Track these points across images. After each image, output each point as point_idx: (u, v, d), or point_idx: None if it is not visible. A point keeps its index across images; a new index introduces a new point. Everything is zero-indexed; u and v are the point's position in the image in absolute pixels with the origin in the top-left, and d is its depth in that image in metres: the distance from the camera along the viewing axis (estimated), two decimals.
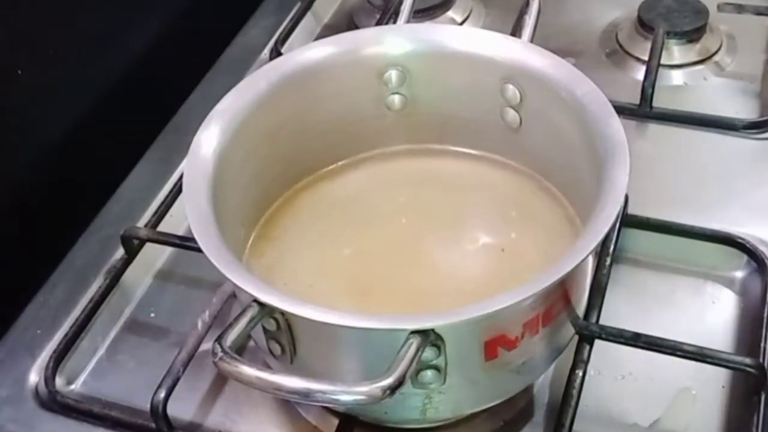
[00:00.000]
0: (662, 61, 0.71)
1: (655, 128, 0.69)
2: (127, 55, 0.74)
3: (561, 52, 0.54)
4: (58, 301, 0.61)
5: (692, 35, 0.75)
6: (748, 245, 0.59)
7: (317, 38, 0.82)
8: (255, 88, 0.55)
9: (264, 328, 0.46)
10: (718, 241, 0.59)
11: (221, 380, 0.57)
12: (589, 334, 0.53)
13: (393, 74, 0.57)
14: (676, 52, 0.75)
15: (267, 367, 0.48)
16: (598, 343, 0.53)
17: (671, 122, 0.69)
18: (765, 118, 0.69)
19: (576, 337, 0.53)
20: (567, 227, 0.55)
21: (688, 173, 0.66)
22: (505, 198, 0.58)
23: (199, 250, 0.46)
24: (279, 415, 0.55)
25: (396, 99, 0.58)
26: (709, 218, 0.60)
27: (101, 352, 0.60)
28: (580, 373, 0.52)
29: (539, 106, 0.55)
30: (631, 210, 0.60)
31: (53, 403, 0.56)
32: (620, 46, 0.77)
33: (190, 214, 0.48)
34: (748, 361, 0.52)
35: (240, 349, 0.53)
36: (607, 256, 0.57)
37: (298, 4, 0.82)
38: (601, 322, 0.55)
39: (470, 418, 0.53)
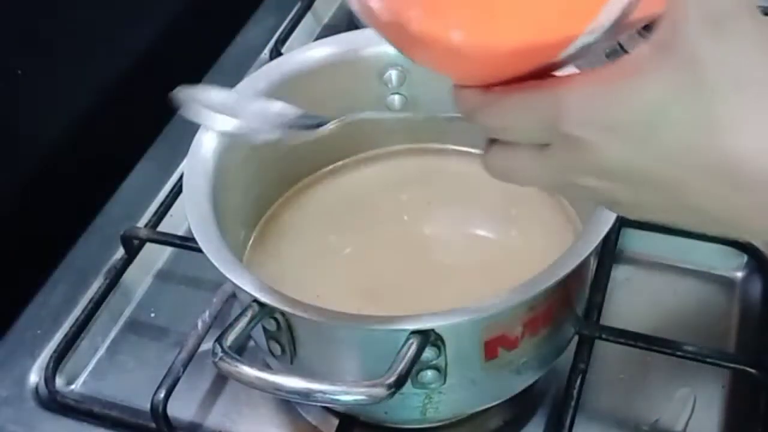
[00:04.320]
0: None
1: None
2: (127, 55, 0.74)
3: None
4: (58, 301, 0.61)
5: None
6: (748, 245, 0.59)
7: (317, 38, 0.82)
8: (255, 88, 0.55)
9: (264, 328, 0.46)
10: (718, 241, 0.59)
11: (221, 380, 0.57)
12: (589, 334, 0.53)
13: (393, 74, 0.57)
14: None
15: (267, 367, 0.48)
16: (598, 343, 0.53)
17: None
18: None
19: (576, 337, 0.53)
20: (567, 227, 0.55)
21: None
22: (506, 197, 0.58)
23: (199, 250, 0.46)
24: (279, 415, 0.55)
25: (396, 99, 0.58)
26: None
27: (101, 352, 0.60)
28: (580, 373, 0.52)
29: None
30: None
31: (53, 403, 0.56)
32: (620, 46, 0.77)
33: (190, 214, 0.48)
34: (748, 361, 0.52)
35: (240, 349, 0.53)
36: (607, 256, 0.57)
37: (298, 4, 0.82)
38: (601, 322, 0.55)
39: (470, 418, 0.53)
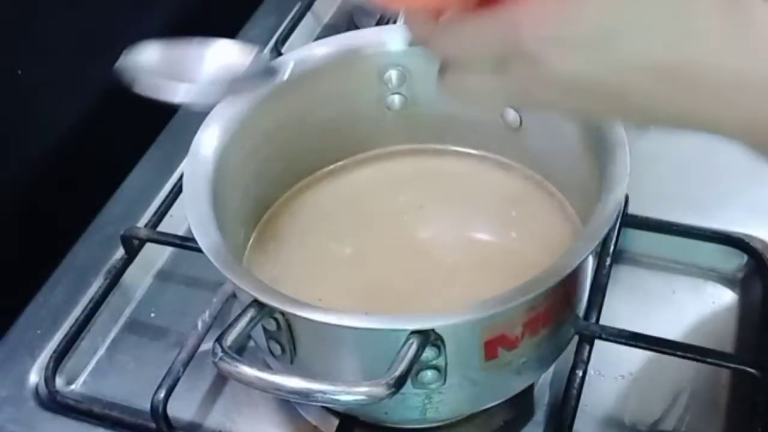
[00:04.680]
0: None
1: (655, 128, 0.69)
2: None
3: None
4: (58, 301, 0.61)
5: None
6: (748, 245, 0.59)
7: (317, 38, 0.82)
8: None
9: (264, 328, 0.46)
10: (718, 241, 0.59)
11: (221, 380, 0.57)
12: (589, 334, 0.53)
13: (393, 74, 0.57)
14: None
15: (267, 367, 0.48)
16: (598, 343, 0.53)
17: None
18: None
19: (576, 337, 0.53)
20: (567, 227, 0.55)
21: (688, 173, 0.66)
22: (505, 198, 0.58)
23: (199, 250, 0.46)
24: (279, 415, 0.55)
25: (396, 99, 0.58)
26: (709, 218, 0.60)
27: (101, 352, 0.60)
28: (580, 373, 0.52)
29: None
30: (631, 210, 0.60)
31: (53, 403, 0.56)
32: None
33: (190, 214, 0.48)
34: (748, 361, 0.52)
35: (240, 349, 0.53)
36: (607, 256, 0.57)
37: (298, 4, 0.82)
38: (601, 322, 0.54)
39: (470, 418, 0.53)
